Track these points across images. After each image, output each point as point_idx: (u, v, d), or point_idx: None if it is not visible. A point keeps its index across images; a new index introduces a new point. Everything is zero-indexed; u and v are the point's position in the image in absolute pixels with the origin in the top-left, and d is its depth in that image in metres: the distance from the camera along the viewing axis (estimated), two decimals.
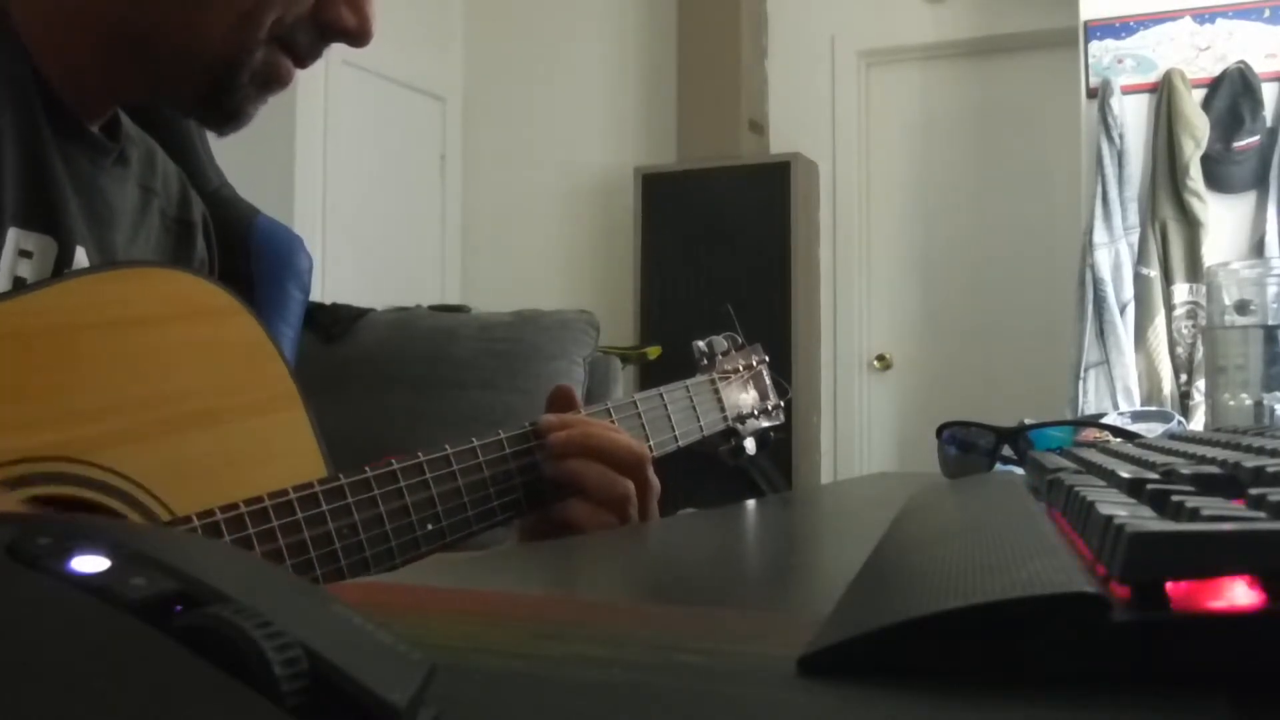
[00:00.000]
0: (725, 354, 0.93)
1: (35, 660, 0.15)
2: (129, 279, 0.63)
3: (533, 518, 0.73)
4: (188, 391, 0.61)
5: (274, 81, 0.69)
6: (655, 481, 0.74)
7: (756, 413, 0.94)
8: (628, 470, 0.72)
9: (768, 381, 0.97)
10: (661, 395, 0.84)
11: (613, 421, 0.78)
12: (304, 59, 0.70)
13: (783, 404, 0.97)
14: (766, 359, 0.97)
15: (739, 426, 0.92)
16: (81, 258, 0.67)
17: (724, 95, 4.13)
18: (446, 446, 0.67)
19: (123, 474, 0.56)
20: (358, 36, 0.70)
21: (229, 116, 0.70)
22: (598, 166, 4.54)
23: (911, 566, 0.30)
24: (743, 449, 0.93)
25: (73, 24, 0.67)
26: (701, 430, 0.87)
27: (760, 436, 0.94)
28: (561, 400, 0.77)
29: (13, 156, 0.64)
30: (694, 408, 0.87)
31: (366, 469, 0.63)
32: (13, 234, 0.63)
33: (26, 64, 0.66)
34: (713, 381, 0.90)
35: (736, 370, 0.93)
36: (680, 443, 0.84)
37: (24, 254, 0.64)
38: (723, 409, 0.90)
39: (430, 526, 0.65)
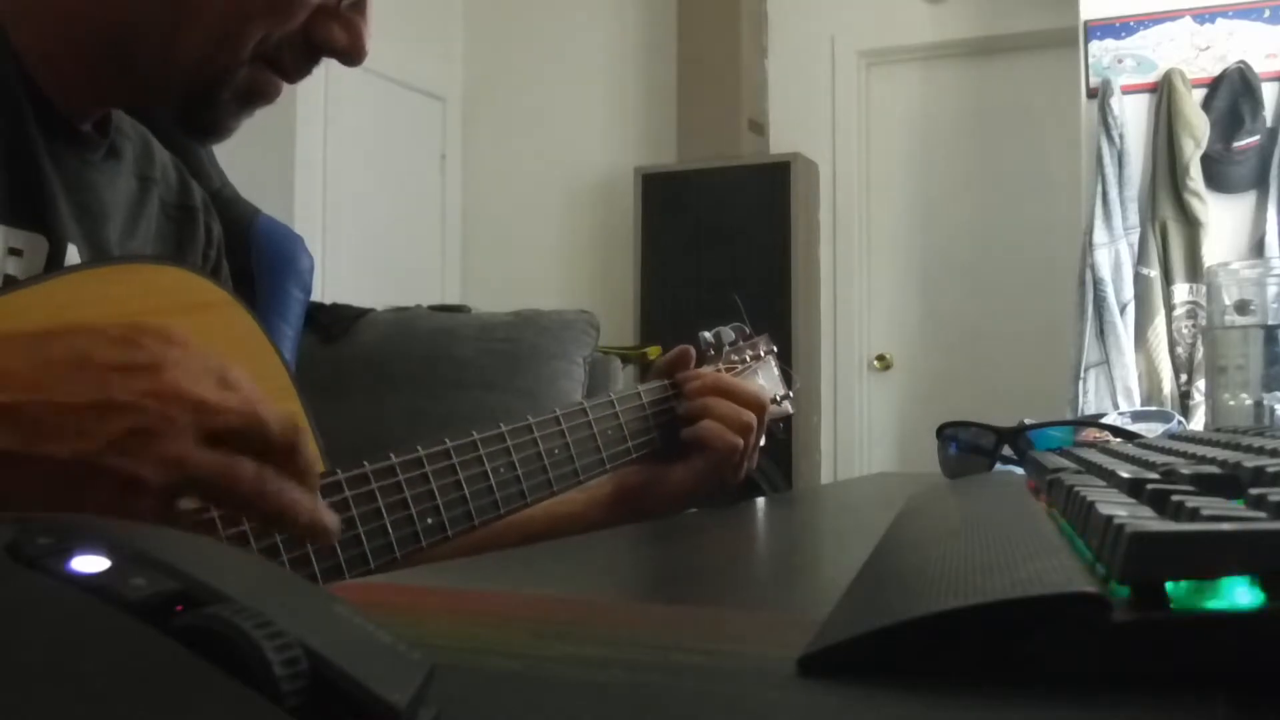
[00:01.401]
0: (733, 344, 0.93)
1: (35, 660, 0.15)
2: (120, 275, 0.62)
3: (636, 469, 0.82)
4: None
5: (258, 97, 0.69)
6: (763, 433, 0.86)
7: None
8: (750, 407, 0.84)
9: (776, 371, 0.96)
10: (666, 385, 0.84)
11: (615, 410, 0.80)
12: (292, 76, 0.69)
13: (791, 394, 0.97)
14: (775, 349, 0.97)
15: None
16: (73, 254, 0.67)
17: (724, 95, 4.13)
18: (446, 440, 0.67)
19: None
20: (351, 55, 0.69)
21: (207, 130, 0.70)
22: (598, 166, 4.54)
23: (911, 566, 0.30)
24: None
25: (59, 29, 0.67)
26: None
27: (769, 427, 0.94)
28: (682, 356, 0.88)
29: None
30: None
31: (365, 464, 0.63)
32: (1, 232, 0.63)
33: (13, 63, 0.66)
34: (719, 371, 0.90)
35: (744, 360, 0.92)
36: None
37: (14, 252, 0.64)
38: None
39: (430, 520, 0.65)
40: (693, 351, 0.88)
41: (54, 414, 0.42)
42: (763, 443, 0.93)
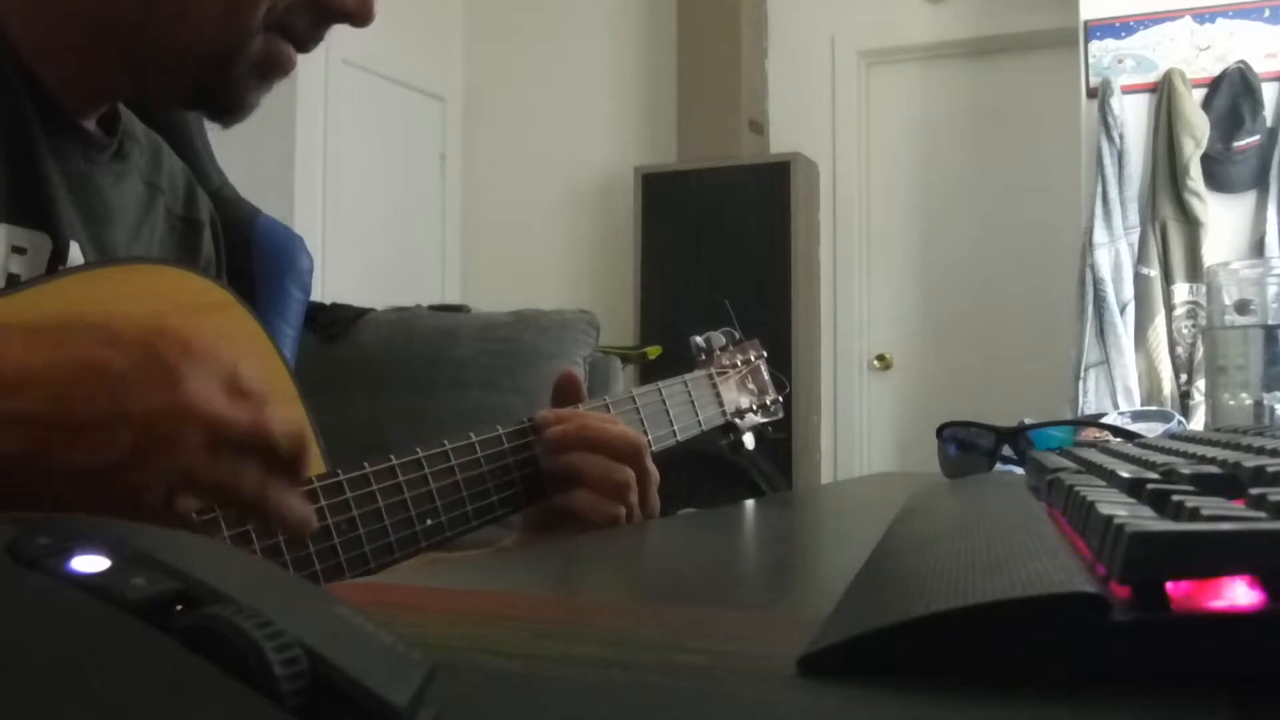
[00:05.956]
0: (723, 349, 0.93)
1: (35, 660, 0.15)
2: (123, 275, 0.62)
3: (536, 511, 0.75)
4: None
5: (275, 69, 0.68)
6: (654, 470, 0.75)
7: (755, 407, 0.93)
8: (626, 459, 0.73)
9: (766, 376, 0.96)
10: (659, 390, 0.84)
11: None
12: (304, 43, 0.68)
13: (781, 399, 0.97)
14: (764, 354, 0.97)
15: (737, 421, 0.91)
16: (76, 253, 0.66)
17: (724, 95, 4.13)
18: (445, 443, 0.68)
19: None
20: (358, 17, 0.68)
21: (230, 108, 0.68)
22: (598, 166, 4.54)
23: (911, 566, 0.30)
24: (741, 443, 0.93)
25: (60, 20, 0.66)
26: (700, 425, 0.87)
27: (758, 431, 0.94)
28: (568, 387, 0.78)
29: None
30: (692, 403, 0.87)
31: (365, 465, 0.63)
32: (3, 230, 0.63)
33: (14, 60, 0.65)
34: (710, 376, 0.90)
35: (734, 365, 0.93)
36: (679, 437, 0.84)
37: (17, 250, 0.63)
38: (721, 404, 0.90)
39: (429, 521, 0.65)
40: (579, 378, 0.80)
41: (70, 429, 0.43)
42: (751, 444, 0.92)
